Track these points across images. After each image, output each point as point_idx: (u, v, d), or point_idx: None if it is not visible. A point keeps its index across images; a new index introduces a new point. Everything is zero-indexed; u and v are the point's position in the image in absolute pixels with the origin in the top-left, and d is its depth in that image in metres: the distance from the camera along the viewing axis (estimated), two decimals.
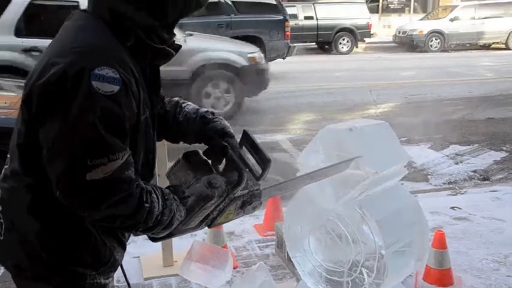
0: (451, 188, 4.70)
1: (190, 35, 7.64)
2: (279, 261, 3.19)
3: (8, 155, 1.30)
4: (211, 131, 1.45)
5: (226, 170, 1.38)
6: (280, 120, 7.44)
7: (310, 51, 17.94)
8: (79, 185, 1.11)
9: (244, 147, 1.44)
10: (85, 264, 1.28)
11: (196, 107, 1.53)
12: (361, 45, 18.42)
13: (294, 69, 11.86)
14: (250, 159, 1.43)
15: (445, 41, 17.66)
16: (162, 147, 2.82)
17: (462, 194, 4.41)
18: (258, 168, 1.42)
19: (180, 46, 1.37)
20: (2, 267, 2.38)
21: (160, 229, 1.24)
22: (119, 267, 1.41)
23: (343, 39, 17.45)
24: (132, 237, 1.49)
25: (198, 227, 1.39)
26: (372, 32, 18.33)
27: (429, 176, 5.14)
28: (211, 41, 8.03)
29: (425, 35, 17.53)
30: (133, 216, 1.17)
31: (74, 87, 1.10)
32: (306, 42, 17.42)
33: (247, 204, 1.42)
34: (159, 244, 2.98)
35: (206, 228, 1.45)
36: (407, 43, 17.97)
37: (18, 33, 6.49)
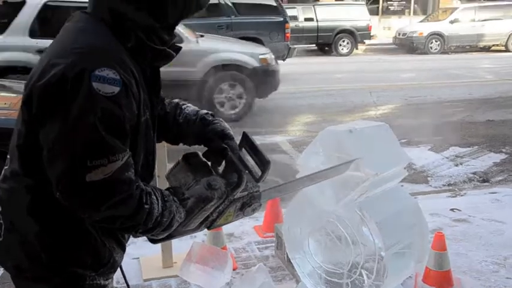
0: (451, 189, 4.70)
1: (202, 36, 7.66)
2: (278, 262, 3.19)
3: (8, 156, 1.30)
4: (211, 133, 1.45)
5: (225, 172, 1.38)
6: (280, 122, 7.44)
7: (310, 52, 17.96)
8: (79, 186, 1.11)
9: (243, 149, 1.44)
10: (85, 265, 1.28)
11: (196, 108, 1.53)
12: (361, 47, 18.45)
13: (294, 70, 11.85)
14: (250, 161, 1.43)
15: (445, 43, 17.69)
16: (162, 148, 2.82)
17: (462, 195, 4.41)
18: (257, 170, 1.42)
19: (180, 48, 1.37)
20: (2, 268, 2.38)
21: (159, 230, 1.24)
22: (119, 269, 1.41)
23: (343, 41, 17.48)
24: (131, 239, 1.49)
25: (198, 228, 1.39)
26: (371, 34, 18.37)
27: (429, 178, 5.14)
28: (223, 42, 8.03)
29: (425, 37, 17.55)
30: (133, 218, 1.17)
31: (74, 88, 1.10)
32: (306, 43, 17.44)
33: (246, 206, 1.42)
34: (158, 245, 2.98)
35: (206, 229, 1.45)
36: (407, 45, 17.99)
37: (33, 34, 6.54)
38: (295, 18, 16.45)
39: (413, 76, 12.06)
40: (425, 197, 4.36)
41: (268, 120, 7.49)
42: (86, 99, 1.10)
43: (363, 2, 18.91)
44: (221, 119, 1.50)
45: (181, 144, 1.56)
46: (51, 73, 1.12)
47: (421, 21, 19.69)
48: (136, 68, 1.22)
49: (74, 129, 1.10)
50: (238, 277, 2.96)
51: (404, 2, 24.48)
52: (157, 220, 1.20)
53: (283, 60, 11.43)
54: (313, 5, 17.83)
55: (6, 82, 4.74)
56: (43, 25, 6.63)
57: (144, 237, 1.32)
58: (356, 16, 17.57)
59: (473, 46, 18.11)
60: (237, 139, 1.46)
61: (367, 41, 18.41)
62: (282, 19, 11.14)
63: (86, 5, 1.26)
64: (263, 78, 7.41)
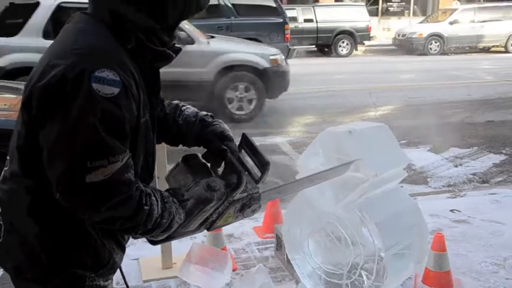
0: (451, 190, 4.70)
1: (212, 37, 7.67)
2: (278, 263, 3.19)
3: (8, 157, 1.30)
4: (211, 134, 1.45)
5: (225, 173, 1.38)
6: (280, 123, 7.44)
7: (309, 53, 17.95)
8: (79, 187, 1.11)
9: (243, 151, 1.44)
10: (84, 266, 1.28)
11: (196, 110, 1.53)
12: (360, 48, 18.44)
13: (293, 71, 11.77)
14: (249, 162, 1.43)
15: (445, 44, 17.70)
16: (162, 150, 2.82)
17: (461, 196, 4.41)
18: (257, 171, 1.42)
19: (180, 49, 1.37)
20: (2, 269, 2.38)
21: (159, 232, 1.24)
22: (118, 270, 1.41)
23: (343, 42, 17.49)
24: (131, 240, 1.49)
25: (197, 229, 1.39)
26: (371, 35, 18.37)
27: (428, 179, 5.14)
28: (234, 43, 8.05)
29: (425, 38, 17.56)
30: (132, 219, 1.17)
31: (74, 89, 1.10)
32: (305, 44, 17.45)
33: (246, 207, 1.42)
34: (158, 246, 2.98)
35: (205, 230, 1.45)
36: (407, 46, 17.99)
37: (47, 35, 6.55)
38: (294, 19, 16.47)
39: (412, 77, 12.07)
40: (424, 198, 4.35)
41: (268, 121, 7.49)
42: (85, 100, 1.10)
43: (363, 3, 18.92)
44: (220, 121, 1.50)
45: (180, 146, 1.55)
46: (51, 74, 1.12)
47: (420, 22, 19.70)
48: (136, 69, 1.23)
49: (73, 130, 1.10)
50: (238, 278, 2.96)
51: (403, 3, 24.49)
52: (157, 221, 1.20)
53: None
54: (313, 6, 17.84)
55: (6, 83, 4.74)
56: (57, 26, 6.62)
57: (144, 239, 1.32)
58: (356, 17, 17.58)
59: (473, 47, 18.13)
60: (237, 140, 1.46)
61: (366, 42, 18.42)
62: (281, 20, 11.16)
63: None
64: (273, 79, 7.44)
